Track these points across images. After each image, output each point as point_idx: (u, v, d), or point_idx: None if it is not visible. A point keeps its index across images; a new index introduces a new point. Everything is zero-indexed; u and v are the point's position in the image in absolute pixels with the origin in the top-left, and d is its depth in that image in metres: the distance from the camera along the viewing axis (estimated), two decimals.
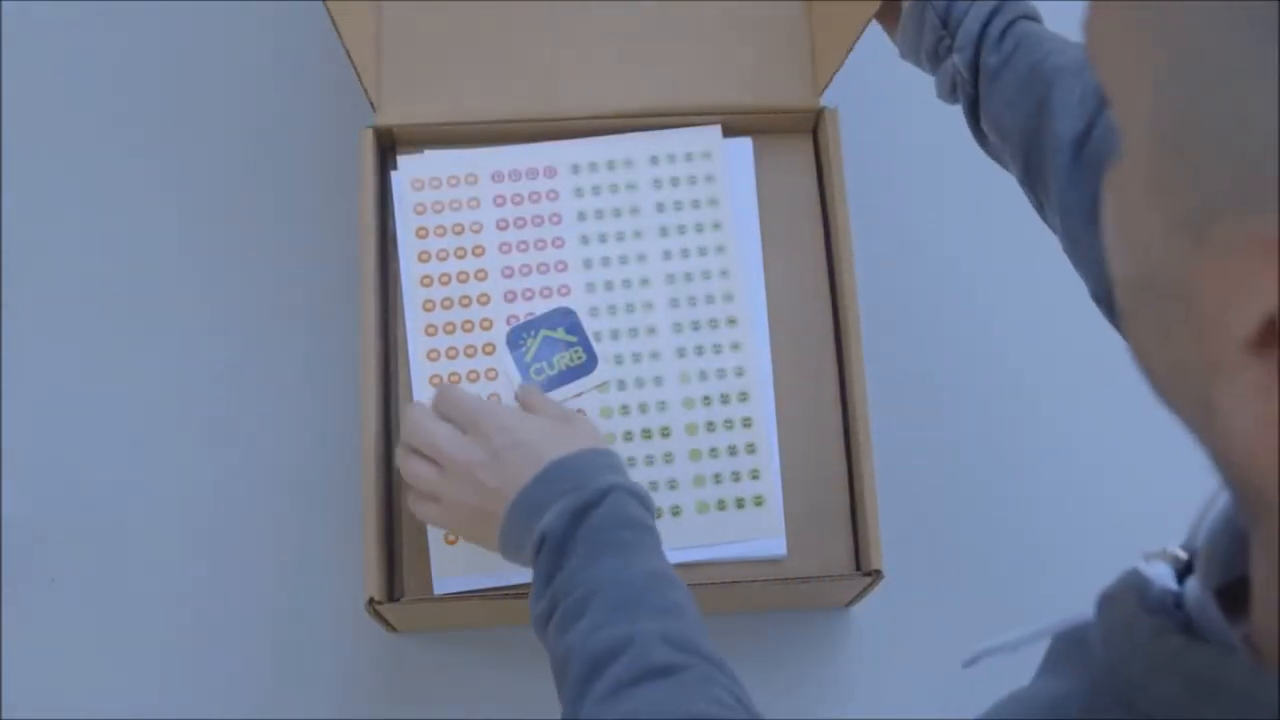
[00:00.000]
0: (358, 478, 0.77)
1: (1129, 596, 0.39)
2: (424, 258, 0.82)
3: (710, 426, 0.79)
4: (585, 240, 0.83)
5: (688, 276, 0.82)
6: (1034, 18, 0.72)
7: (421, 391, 0.80)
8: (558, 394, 0.79)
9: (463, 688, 0.83)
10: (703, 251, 0.83)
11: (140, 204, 0.93)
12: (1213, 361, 0.29)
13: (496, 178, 0.84)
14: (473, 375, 0.80)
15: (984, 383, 0.90)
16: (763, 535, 0.78)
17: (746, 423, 0.79)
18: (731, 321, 0.81)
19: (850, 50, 0.80)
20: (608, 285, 0.82)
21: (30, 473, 0.86)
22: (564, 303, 0.81)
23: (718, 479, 0.78)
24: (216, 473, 0.86)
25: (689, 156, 0.85)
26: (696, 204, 0.84)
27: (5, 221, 0.92)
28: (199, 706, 0.82)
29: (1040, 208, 0.70)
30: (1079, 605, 0.89)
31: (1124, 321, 0.34)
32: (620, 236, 0.83)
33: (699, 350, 0.81)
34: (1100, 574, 0.93)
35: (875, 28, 0.80)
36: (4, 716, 0.81)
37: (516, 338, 0.81)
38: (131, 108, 0.96)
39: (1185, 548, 0.40)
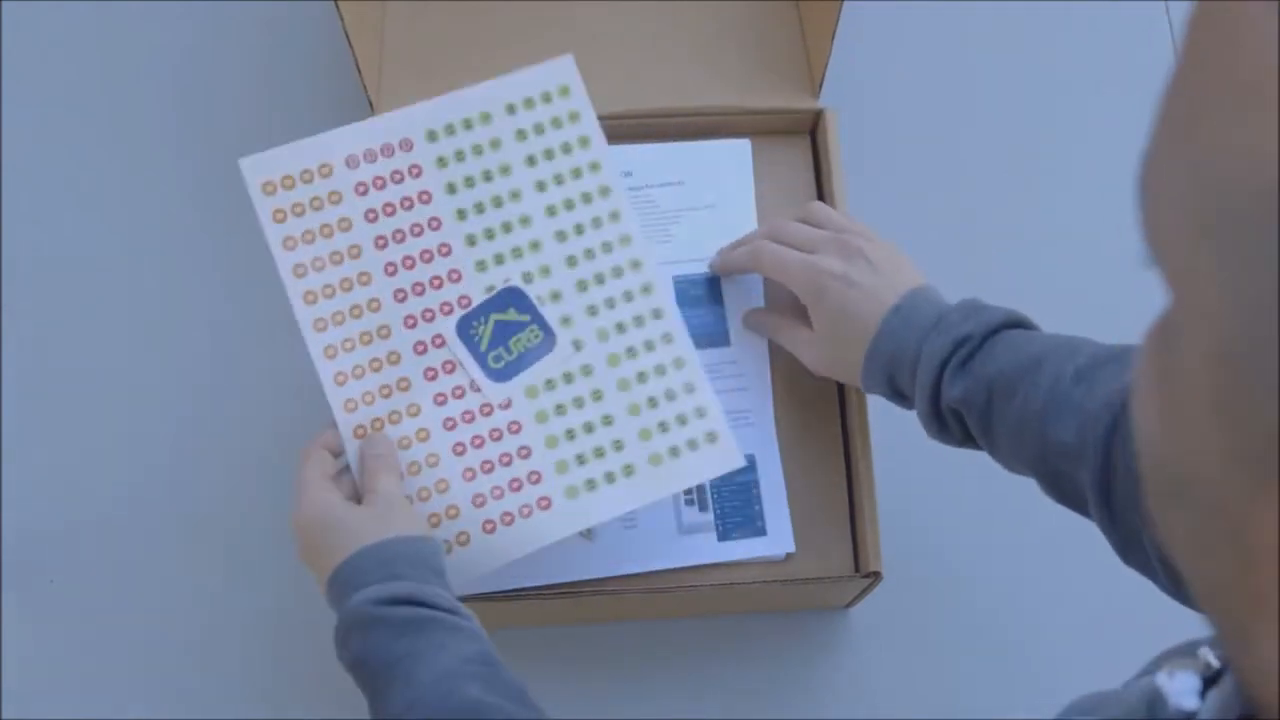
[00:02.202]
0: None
1: (1137, 712, 0.36)
2: (300, 272, 0.74)
3: (641, 378, 0.75)
4: (462, 215, 0.76)
5: (578, 229, 0.77)
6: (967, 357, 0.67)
7: (344, 420, 0.74)
8: (523, 378, 0.75)
9: None
10: (586, 198, 0.77)
11: (139, 205, 0.93)
12: (1255, 595, 0.26)
13: (351, 163, 0.75)
14: (385, 390, 0.74)
15: None
16: (723, 466, 0.75)
17: (678, 364, 0.76)
18: (635, 265, 0.77)
19: (834, 36, 0.80)
20: (498, 259, 0.76)
21: (30, 474, 0.86)
22: (458, 289, 0.75)
23: (663, 427, 0.75)
24: (215, 473, 0.87)
25: (546, 97, 0.78)
26: (568, 148, 0.78)
27: (5, 221, 0.92)
28: (198, 707, 0.82)
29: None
30: (1077, 606, 0.90)
31: (1152, 503, 0.30)
32: (498, 202, 0.77)
33: (610, 303, 0.76)
34: (1099, 572, 0.93)
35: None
36: (4, 716, 0.81)
37: (466, 327, 0.75)
38: (129, 108, 0.96)
39: (1218, 652, 0.37)
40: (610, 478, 0.74)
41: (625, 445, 0.75)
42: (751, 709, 0.83)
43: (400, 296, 0.75)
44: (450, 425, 0.75)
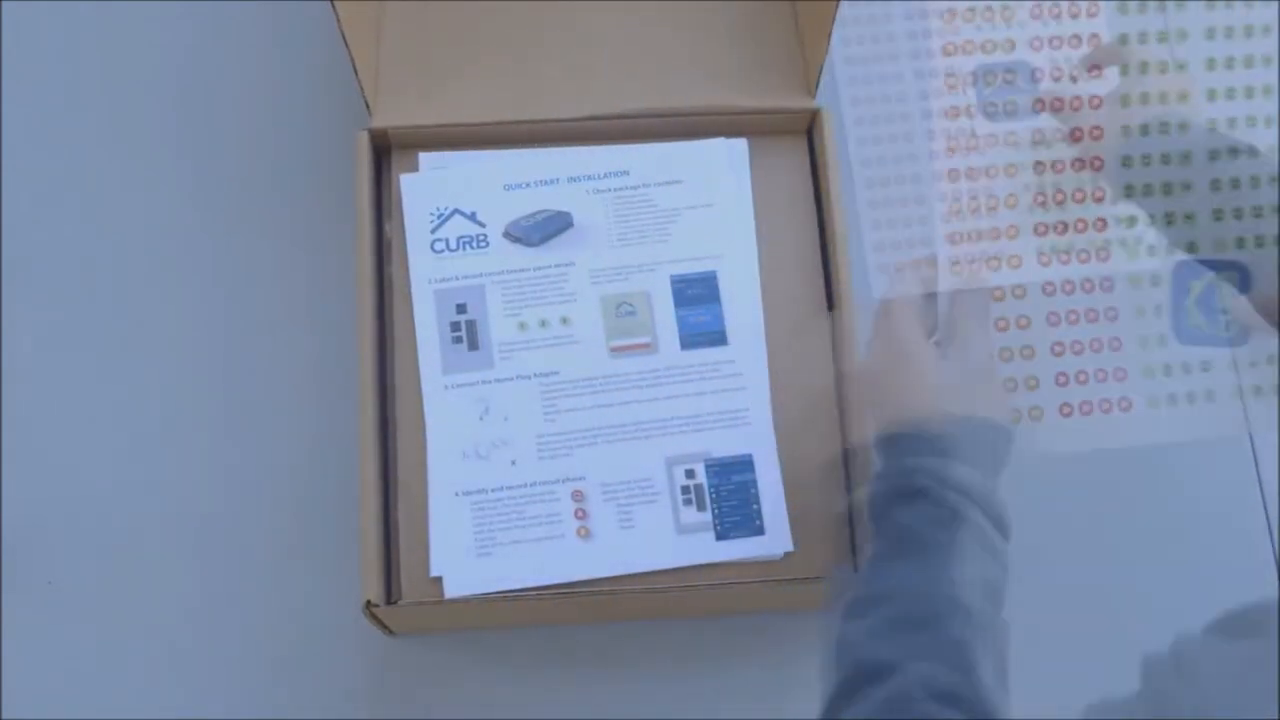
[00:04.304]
0: (356, 480, 0.77)
1: None
2: (951, 84, 0.70)
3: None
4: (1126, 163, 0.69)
5: (1237, 213, 0.68)
6: None
7: (945, 253, 0.70)
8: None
9: (460, 689, 0.83)
10: (1257, 212, 0.68)
11: (138, 205, 0.93)
12: None
13: (1035, 45, 0.71)
14: (993, 232, 0.71)
15: None
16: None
17: None
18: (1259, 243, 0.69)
19: (830, 36, 0.80)
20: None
21: (29, 474, 0.86)
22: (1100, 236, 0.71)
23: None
24: (214, 474, 0.87)
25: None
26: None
27: (5, 222, 0.93)
28: (197, 707, 0.82)
29: None
30: (1074, 606, 0.89)
31: None
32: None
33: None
34: (1099, 568, 0.93)
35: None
36: (3, 717, 0.81)
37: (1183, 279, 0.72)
38: (129, 109, 0.96)
39: None
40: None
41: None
42: (751, 709, 0.83)
43: (1038, 200, 0.71)
44: (1049, 290, 0.71)
